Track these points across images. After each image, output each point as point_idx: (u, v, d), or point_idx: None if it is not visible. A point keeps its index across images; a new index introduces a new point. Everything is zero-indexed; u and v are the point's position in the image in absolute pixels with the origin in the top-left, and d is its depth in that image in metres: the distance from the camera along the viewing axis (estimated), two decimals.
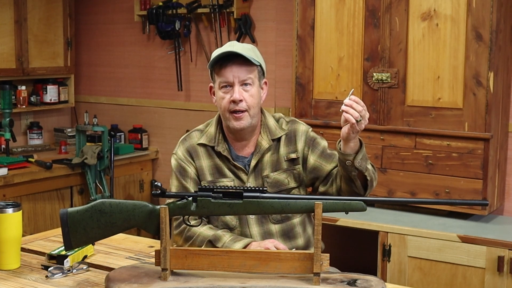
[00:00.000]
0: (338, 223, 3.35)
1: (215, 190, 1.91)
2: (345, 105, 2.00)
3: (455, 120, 3.23)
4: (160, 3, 4.46)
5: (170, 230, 1.90)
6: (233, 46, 2.19)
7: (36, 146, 4.68)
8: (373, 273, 2.82)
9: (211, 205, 1.90)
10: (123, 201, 1.92)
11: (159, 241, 1.87)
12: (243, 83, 2.17)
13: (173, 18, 4.41)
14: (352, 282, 1.84)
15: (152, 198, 4.66)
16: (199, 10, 4.37)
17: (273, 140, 2.26)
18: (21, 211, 2.09)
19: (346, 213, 1.89)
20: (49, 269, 2.04)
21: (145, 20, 4.66)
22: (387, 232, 3.22)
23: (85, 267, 2.08)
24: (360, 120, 1.99)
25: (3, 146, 4.35)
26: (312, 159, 2.26)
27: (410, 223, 3.25)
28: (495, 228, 3.22)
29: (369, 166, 2.14)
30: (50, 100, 4.73)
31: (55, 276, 2.02)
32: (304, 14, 3.57)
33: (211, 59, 2.20)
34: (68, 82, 4.86)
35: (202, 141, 2.27)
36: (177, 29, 4.43)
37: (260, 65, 2.22)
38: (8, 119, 4.21)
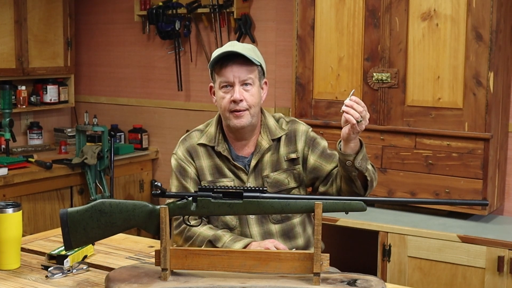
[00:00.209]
0: (338, 223, 3.35)
1: (215, 190, 1.91)
2: (346, 105, 2.00)
3: (455, 120, 3.23)
4: (160, 3, 4.47)
5: (170, 230, 1.90)
6: (233, 46, 2.19)
7: (36, 146, 4.68)
8: (373, 273, 2.82)
9: (211, 205, 1.90)
10: (123, 201, 1.92)
11: (159, 241, 1.87)
12: (244, 83, 2.17)
13: (173, 18, 4.41)
14: (352, 282, 1.84)
15: (152, 198, 4.66)
16: (199, 10, 4.37)
17: (273, 140, 2.26)
18: (21, 211, 2.09)
19: (346, 213, 1.89)
20: (49, 269, 2.04)
21: (145, 20, 4.66)
22: (387, 232, 3.22)
23: (85, 267, 2.08)
24: (361, 121, 2.00)
25: (3, 146, 4.35)
26: (312, 159, 2.26)
27: (410, 223, 3.25)
28: (495, 228, 3.22)
29: (369, 167, 2.14)
30: (50, 100, 4.73)
31: (55, 276, 2.02)
32: (304, 14, 3.57)
33: (212, 58, 2.20)
34: (68, 82, 4.87)
35: (202, 141, 2.27)
36: (177, 29, 4.43)
37: (261, 65, 2.22)
38: (8, 119, 4.21)
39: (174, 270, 1.89)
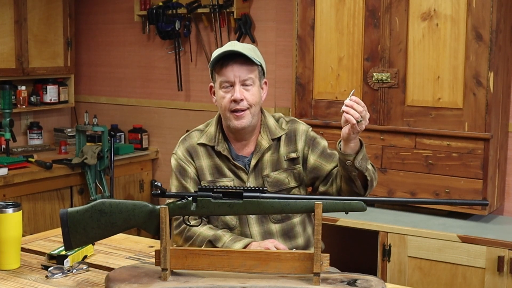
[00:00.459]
0: (338, 223, 3.35)
1: (215, 190, 1.91)
2: (346, 105, 2.00)
3: (455, 120, 3.23)
4: (160, 3, 4.47)
5: (170, 230, 1.90)
6: (234, 45, 2.19)
7: (36, 146, 4.68)
8: (373, 273, 2.82)
9: (211, 205, 1.90)
10: (123, 201, 1.92)
11: (159, 241, 1.87)
12: (244, 83, 2.18)
13: (173, 18, 4.41)
14: (352, 282, 1.84)
15: (152, 198, 4.66)
16: (199, 10, 4.37)
17: (273, 139, 2.26)
18: (21, 211, 2.09)
19: (346, 213, 1.89)
20: (49, 269, 2.04)
21: (145, 20, 4.66)
22: (387, 232, 3.22)
23: (85, 267, 2.08)
24: (361, 121, 2.00)
25: (3, 146, 4.35)
26: (312, 159, 2.26)
27: (410, 223, 3.25)
28: (495, 228, 3.22)
29: (369, 166, 2.14)
30: (50, 100, 4.73)
31: (55, 276, 2.02)
32: (304, 14, 3.57)
33: (212, 58, 2.20)
34: (68, 82, 4.87)
35: (202, 140, 2.27)
36: (177, 29, 4.43)
37: (261, 65, 2.22)
38: (8, 119, 4.21)
39: (174, 270, 1.89)
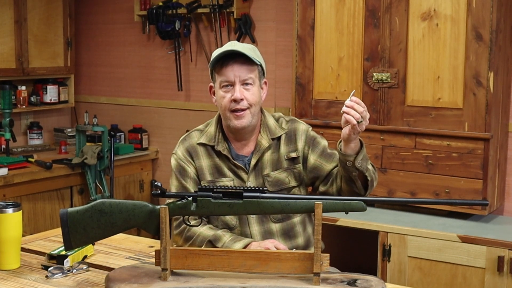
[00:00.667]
0: (338, 223, 3.35)
1: (215, 190, 1.91)
2: (346, 106, 2.00)
3: (455, 120, 3.23)
4: (160, 3, 4.46)
5: (170, 230, 1.90)
6: (234, 45, 2.19)
7: (36, 146, 4.68)
8: (373, 273, 2.82)
9: (211, 205, 1.90)
10: (123, 201, 1.92)
11: (159, 241, 1.87)
12: (244, 83, 2.18)
13: (173, 18, 4.41)
14: (352, 282, 1.84)
15: (152, 198, 4.66)
16: (199, 10, 4.37)
17: (273, 139, 2.26)
18: (21, 211, 2.09)
19: (346, 213, 1.89)
20: (49, 269, 2.04)
21: (145, 20, 4.66)
22: (387, 232, 3.22)
23: (85, 267, 2.08)
24: (361, 121, 2.00)
25: (3, 146, 4.35)
26: (312, 159, 2.26)
27: (410, 223, 3.25)
28: (495, 228, 3.22)
29: (370, 167, 2.15)
30: (50, 100, 4.73)
31: (55, 276, 2.02)
32: (304, 14, 3.56)
33: (212, 58, 2.20)
34: (68, 82, 4.86)
35: (202, 140, 2.27)
36: (177, 29, 4.43)
37: (261, 65, 2.22)
38: (8, 119, 4.21)
39: (174, 270, 1.89)
